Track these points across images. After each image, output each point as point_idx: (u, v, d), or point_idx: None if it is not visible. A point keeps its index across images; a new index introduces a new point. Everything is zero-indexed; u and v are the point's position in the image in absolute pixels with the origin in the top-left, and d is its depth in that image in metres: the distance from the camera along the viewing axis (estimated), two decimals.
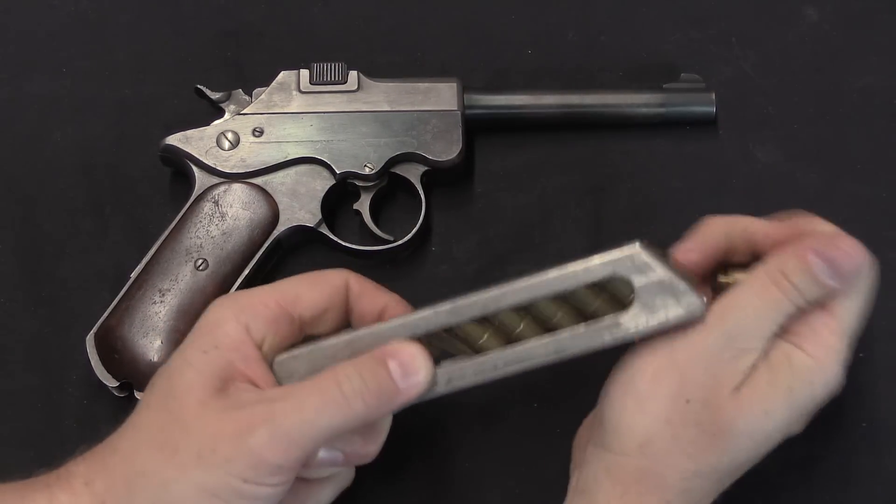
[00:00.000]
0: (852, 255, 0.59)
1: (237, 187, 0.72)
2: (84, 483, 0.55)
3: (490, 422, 0.71)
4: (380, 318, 0.61)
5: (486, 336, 0.59)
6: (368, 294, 0.61)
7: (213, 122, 0.73)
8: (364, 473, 0.69)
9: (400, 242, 0.72)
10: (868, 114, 0.77)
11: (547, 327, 0.59)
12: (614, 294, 0.59)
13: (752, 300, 0.58)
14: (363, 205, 0.73)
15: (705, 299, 0.58)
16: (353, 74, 0.74)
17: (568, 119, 0.76)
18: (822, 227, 0.62)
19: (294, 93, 0.73)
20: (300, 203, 0.72)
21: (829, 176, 0.76)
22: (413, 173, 0.73)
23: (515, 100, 0.76)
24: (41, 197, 0.76)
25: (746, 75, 0.78)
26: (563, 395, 0.70)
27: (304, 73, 0.73)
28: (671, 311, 0.57)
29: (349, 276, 0.61)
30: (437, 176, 0.74)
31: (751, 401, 0.57)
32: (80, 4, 0.81)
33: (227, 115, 0.73)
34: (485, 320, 0.59)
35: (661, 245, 0.60)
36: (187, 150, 0.72)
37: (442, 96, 0.74)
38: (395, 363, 0.57)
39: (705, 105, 0.76)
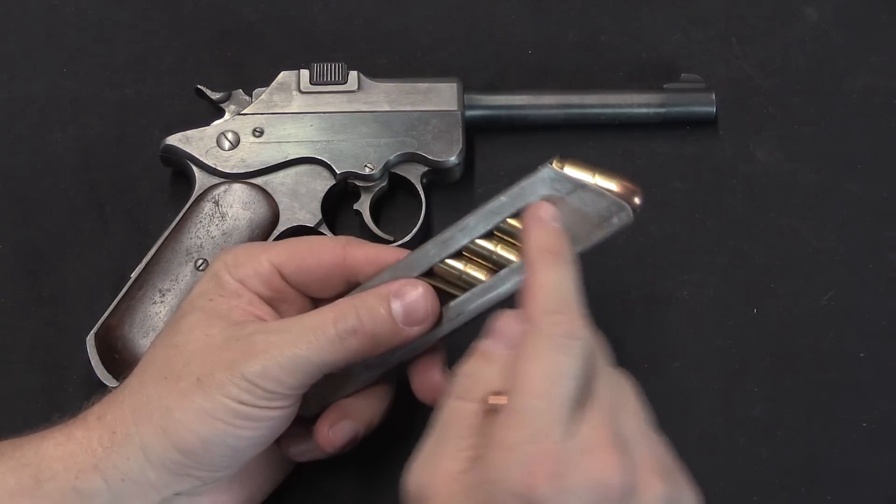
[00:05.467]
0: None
1: (237, 187, 0.71)
2: (97, 418, 0.58)
3: None
4: None
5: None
6: (372, 265, 0.61)
7: (213, 122, 0.73)
8: (365, 472, 0.69)
9: (400, 243, 0.72)
10: (868, 114, 0.77)
11: (490, 266, 0.59)
12: None
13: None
14: (363, 205, 0.73)
15: (637, 199, 0.58)
16: (353, 74, 0.74)
17: (568, 119, 0.76)
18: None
19: (294, 93, 0.73)
20: (300, 203, 0.71)
21: (829, 176, 0.76)
22: (413, 173, 0.73)
23: (515, 100, 0.76)
24: (41, 197, 0.76)
25: (746, 75, 0.78)
26: None
27: (305, 73, 0.73)
28: (599, 222, 0.58)
29: (346, 251, 0.61)
30: (437, 176, 0.74)
31: None
32: (80, 4, 0.81)
33: (227, 116, 0.73)
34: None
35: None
36: (187, 150, 0.72)
37: (442, 96, 0.74)
38: (398, 303, 0.58)
39: (705, 105, 0.76)
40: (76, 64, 0.79)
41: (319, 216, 0.71)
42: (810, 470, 0.69)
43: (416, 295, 0.58)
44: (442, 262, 0.59)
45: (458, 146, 0.73)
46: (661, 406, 0.70)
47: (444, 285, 0.60)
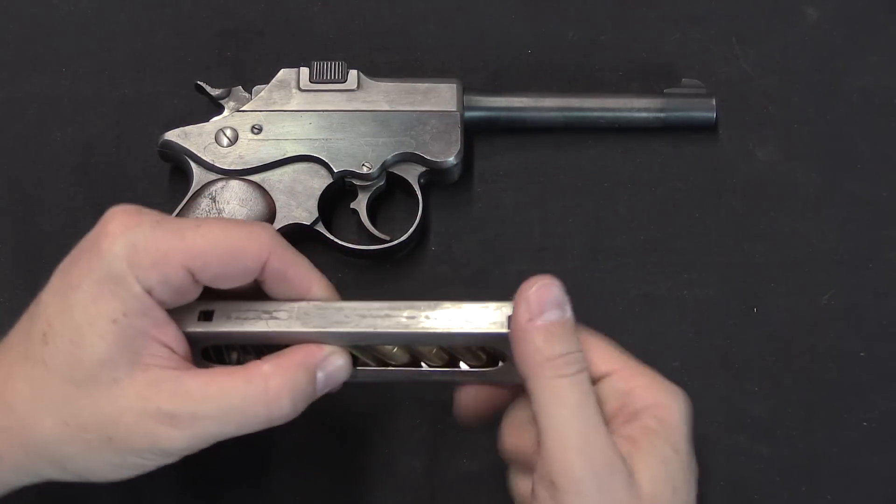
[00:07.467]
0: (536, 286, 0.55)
1: (234, 184, 0.71)
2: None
3: (489, 423, 0.70)
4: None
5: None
6: (290, 281, 0.57)
7: (212, 118, 0.73)
8: (364, 473, 0.69)
9: (396, 242, 0.72)
10: (868, 114, 0.77)
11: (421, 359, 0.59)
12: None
13: (561, 405, 0.54)
14: (360, 204, 0.73)
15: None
16: (352, 73, 0.74)
17: (568, 122, 0.76)
18: None
19: (294, 91, 0.73)
20: (297, 201, 0.71)
21: (829, 176, 0.75)
22: (411, 173, 0.73)
23: (515, 102, 0.76)
24: (41, 197, 0.76)
25: (746, 75, 0.78)
26: None
27: (304, 71, 0.73)
28: None
29: (271, 256, 0.56)
30: (435, 176, 0.74)
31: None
32: (80, 4, 0.81)
33: (226, 112, 0.73)
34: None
35: None
36: (186, 145, 0.72)
37: (442, 97, 0.73)
38: (321, 374, 0.56)
39: (706, 111, 0.76)
40: (76, 63, 0.79)
41: (316, 214, 0.71)
42: (810, 469, 0.68)
43: (338, 366, 0.57)
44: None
45: (457, 147, 0.73)
46: None
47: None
